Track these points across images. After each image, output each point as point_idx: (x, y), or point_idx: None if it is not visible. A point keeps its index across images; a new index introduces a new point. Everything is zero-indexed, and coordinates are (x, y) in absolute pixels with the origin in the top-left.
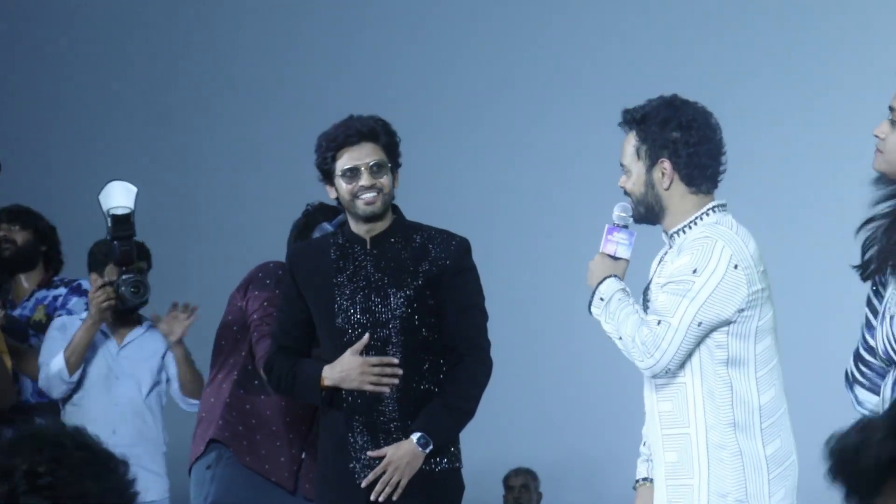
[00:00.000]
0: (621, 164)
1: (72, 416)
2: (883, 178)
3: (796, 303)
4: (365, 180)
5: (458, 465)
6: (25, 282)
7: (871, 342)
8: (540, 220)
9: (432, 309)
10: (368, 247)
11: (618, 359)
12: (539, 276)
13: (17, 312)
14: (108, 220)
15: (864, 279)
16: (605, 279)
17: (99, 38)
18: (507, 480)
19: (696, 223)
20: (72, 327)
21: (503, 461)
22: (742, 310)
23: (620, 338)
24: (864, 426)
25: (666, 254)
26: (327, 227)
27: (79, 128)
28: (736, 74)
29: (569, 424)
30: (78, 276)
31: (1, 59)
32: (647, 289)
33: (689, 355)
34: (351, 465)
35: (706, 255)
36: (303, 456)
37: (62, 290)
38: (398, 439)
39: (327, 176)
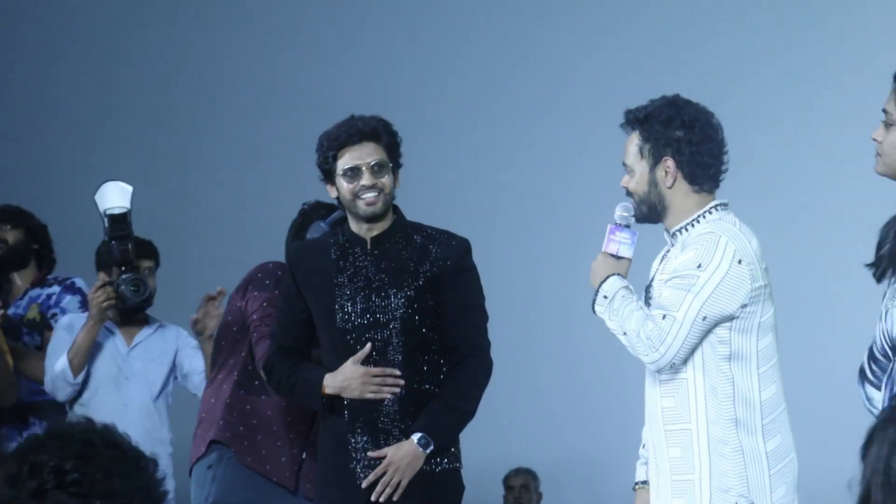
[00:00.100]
0: (624, 164)
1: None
2: None
3: (796, 302)
4: (366, 180)
5: (458, 465)
6: (19, 280)
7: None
8: (540, 220)
9: (433, 309)
10: (369, 247)
11: (618, 359)
12: (539, 276)
13: (10, 311)
14: (105, 220)
15: (877, 279)
16: (607, 278)
17: (98, 37)
18: (507, 480)
19: (698, 221)
20: (79, 326)
21: (503, 461)
22: (745, 305)
23: (625, 333)
24: None
25: (668, 252)
26: (322, 225)
27: (77, 127)
28: (736, 74)
29: (569, 424)
30: (71, 275)
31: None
32: (648, 286)
33: (693, 350)
34: (351, 466)
35: (710, 250)
36: (303, 456)
37: (56, 289)
38: (399, 440)
39: (328, 175)
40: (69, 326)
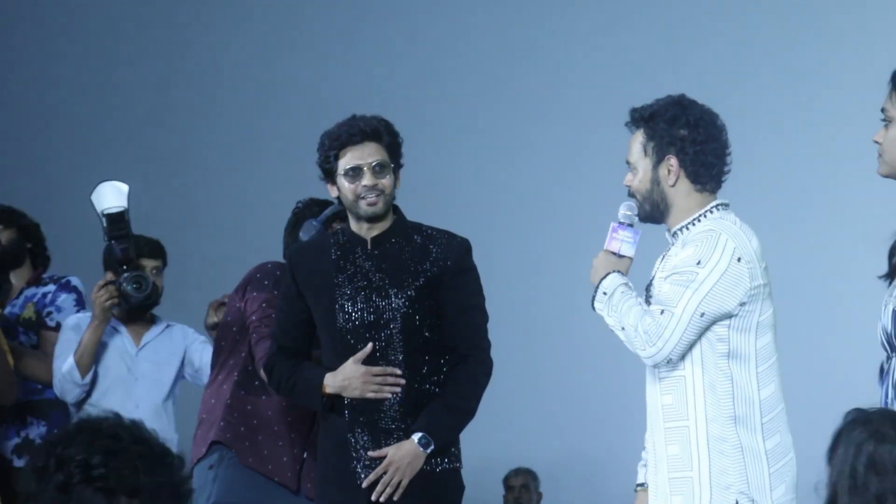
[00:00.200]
0: (627, 162)
1: None
2: None
3: (796, 302)
4: (367, 180)
5: (458, 465)
6: (14, 279)
7: None
8: (540, 220)
9: (433, 309)
10: (369, 247)
11: (618, 359)
12: (539, 276)
13: (6, 310)
14: (103, 220)
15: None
16: (608, 275)
17: (97, 37)
18: (507, 480)
19: (699, 220)
20: (85, 326)
21: (503, 461)
22: (744, 303)
23: (623, 328)
24: None
25: (669, 251)
26: (314, 223)
27: (77, 127)
28: (736, 74)
29: (569, 424)
30: (72, 274)
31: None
32: (649, 286)
33: (691, 347)
34: (352, 466)
35: (710, 247)
36: (304, 455)
37: (51, 287)
38: (399, 439)
39: (329, 175)
40: (76, 327)
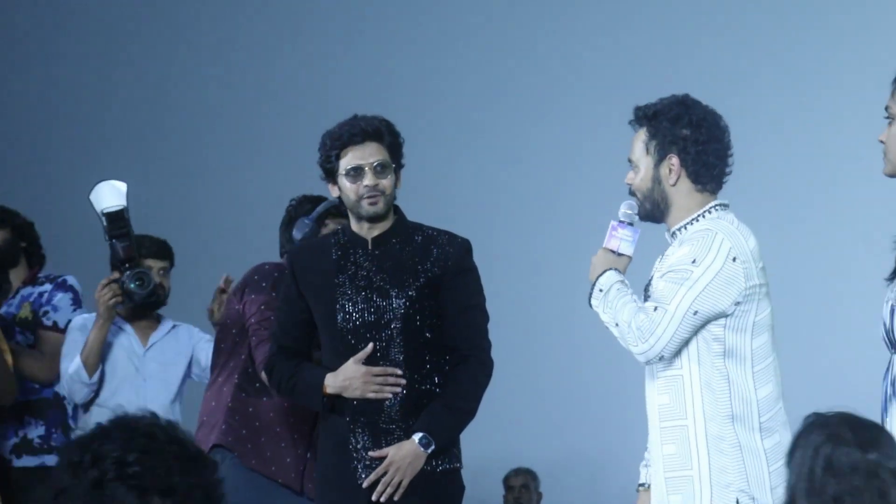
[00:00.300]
0: (629, 160)
1: (98, 417)
2: None
3: (796, 302)
4: (369, 180)
5: (458, 465)
6: (10, 279)
7: None
8: (540, 220)
9: (434, 309)
10: (370, 247)
11: (618, 359)
12: (539, 276)
13: (3, 310)
14: (103, 219)
15: None
16: (605, 272)
17: (97, 37)
18: (507, 480)
19: (697, 220)
20: (91, 326)
21: (503, 461)
22: (739, 303)
23: (617, 324)
24: None
25: (668, 250)
26: (306, 221)
27: (77, 127)
28: (736, 75)
29: (569, 424)
30: (64, 272)
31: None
32: (648, 285)
33: (687, 346)
34: (352, 466)
35: (706, 246)
36: (308, 456)
37: (47, 287)
38: (400, 439)
39: (330, 174)
40: (83, 327)
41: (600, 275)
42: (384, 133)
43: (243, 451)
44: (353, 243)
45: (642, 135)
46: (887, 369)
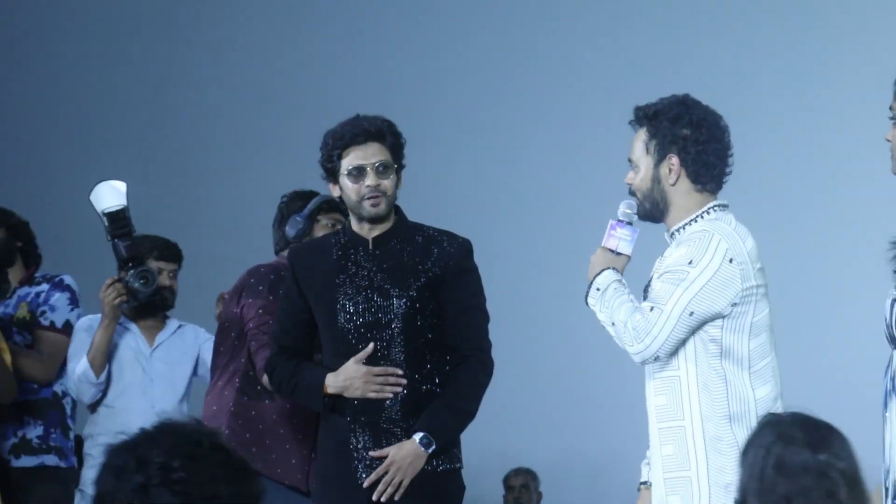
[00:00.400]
0: (629, 160)
1: (106, 418)
2: None
3: (796, 302)
4: (371, 180)
5: (458, 465)
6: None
7: None
8: (541, 220)
9: (434, 310)
10: (371, 247)
11: (618, 359)
12: (539, 276)
13: (0, 310)
14: (104, 220)
15: None
16: (602, 271)
17: (97, 37)
18: (507, 480)
19: (696, 220)
20: (97, 326)
21: (503, 461)
22: (735, 304)
23: (613, 324)
24: None
25: (666, 251)
26: (297, 219)
27: (77, 127)
28: (736, 75)
29: (569, 424)
30: (62, 272)
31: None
32: (647, 286)
33: (684, 346)
34: (353, 466)
35: (703, 248)
36: (313, 455)
37: (44, 287)
38: (400, 439)
39: (331, 174)
40: (89, 328)
41: (598, 274)
42: (386, 133)
43: (248, 455)
44: (353, 243)
45: (642, 134)
46: (888, 365)
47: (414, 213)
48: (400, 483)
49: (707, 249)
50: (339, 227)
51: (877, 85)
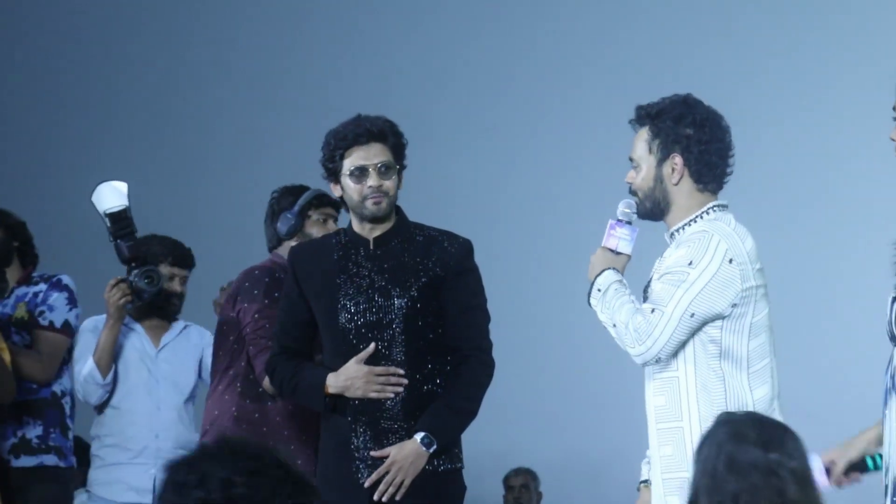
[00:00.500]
0: (630, 159)
1: (112, 419)
2: None
3: (796, 302)
4: (373, 181)
5: (459, 465)
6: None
7: None
8: (541, 220)
9: (435, 310)
10: (371, 247)
11: (618, 359)
12: (540, 276)
13: None
14: (106, 220)
15: None
16: (603, 271)
17: (98, 36)
18: (507, 480)
19: (696, 221)
20: (102, 327)
21: (503, 461)
22: (735, 305)
23: (614, 325)
24: None
25: (666, 251)
26: (288, 216)
27: (76, 127)
28: (736, 75)
29: (569, 424)
30: (60, 272)
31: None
32: (647, 286)
33: (683, 347)
34: (354, 465)
35: (702, 248)
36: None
37: (42, 287)
38: (401, 439)
39: (333, 174)
40: (94, 329)
41: (598, 274)
42: (388, 134)
43: None
44: (354, 243)
45: (644, 134)
46: (889, 363)
47: (414, 213)
48: (401, 483)
49: (707, 250)
50: (330, 220)
51: (877, 85)
